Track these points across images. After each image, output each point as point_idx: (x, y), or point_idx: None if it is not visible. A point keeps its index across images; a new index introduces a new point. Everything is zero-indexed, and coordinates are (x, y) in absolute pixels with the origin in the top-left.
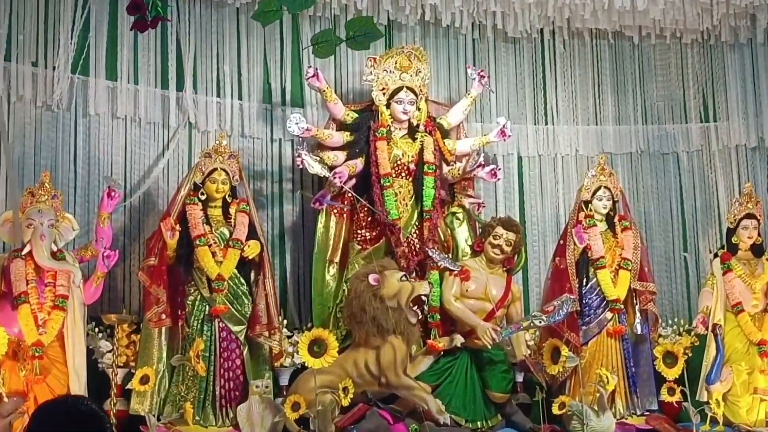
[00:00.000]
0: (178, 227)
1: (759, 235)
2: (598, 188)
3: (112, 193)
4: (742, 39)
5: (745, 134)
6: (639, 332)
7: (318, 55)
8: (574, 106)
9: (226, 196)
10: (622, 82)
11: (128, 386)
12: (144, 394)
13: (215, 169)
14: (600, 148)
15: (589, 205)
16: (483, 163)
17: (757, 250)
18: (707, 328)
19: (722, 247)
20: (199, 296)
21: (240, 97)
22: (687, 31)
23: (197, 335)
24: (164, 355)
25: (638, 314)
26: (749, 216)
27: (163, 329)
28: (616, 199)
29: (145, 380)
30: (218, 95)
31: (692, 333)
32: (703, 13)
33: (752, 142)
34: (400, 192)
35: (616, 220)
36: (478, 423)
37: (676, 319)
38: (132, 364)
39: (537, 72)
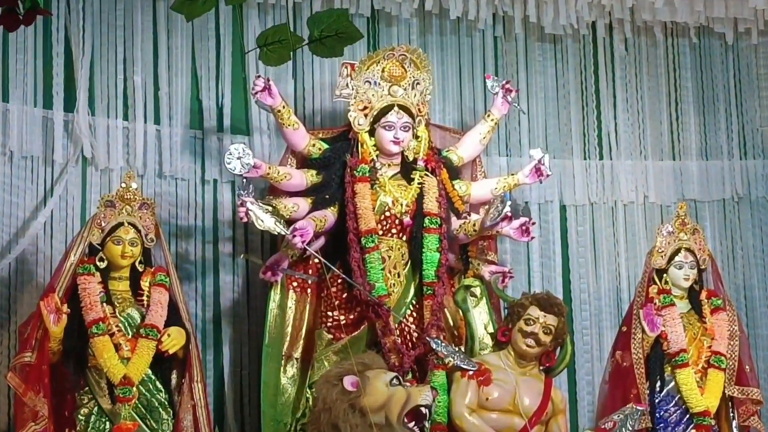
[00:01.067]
0: (66, 308)
1: None
2: (677, 251)
3: None
4: None
5: None
6: None
7: (268, 62)
8: (642, 133)
9: (137, 263)
10: (710, 99)
11: None
12: None
13: (120, 225)
14: (679, 193)
15: (665, 275)
16: (510, 214)
17: None
18: None
19: None
20: (96, 408)
21: (157, 121)
22: None
23: None
24: None
25: None
26: None
27: None
28: (702, 267)
29: None
30: (125, 118)
31: None
32: None
33: None
34: (389, 256)
35: (703, 296)
36: None
37: None
38: None
39: (588, 84)
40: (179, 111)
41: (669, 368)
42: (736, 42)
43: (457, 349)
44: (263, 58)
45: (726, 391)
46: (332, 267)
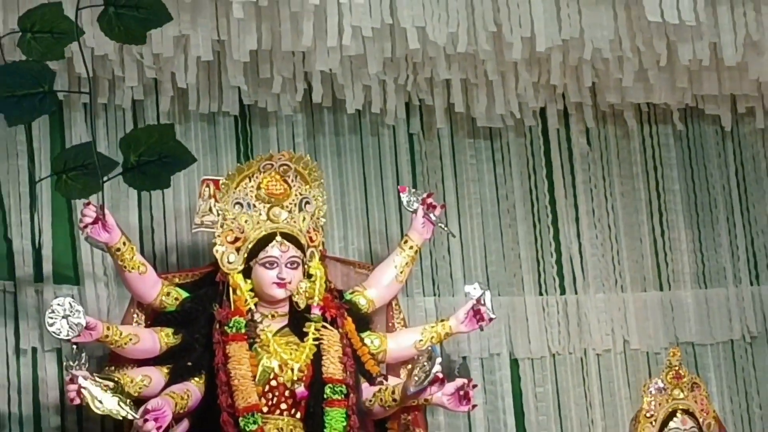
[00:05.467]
0: None
1: None
2: (672, 414)
3: None
4: None
5: None
6: None
7: (68, 193)
8: (616, 257)
9: None
10: (705, 205)
11: None
12: None
13: None
14: (671, 335)
15: None
16: (442, 375)
17: None
18: None
19: None
20: None
21: None
22: None
23: None
24: None
25: None
26: None
27: None
28: None
29: None
30: None
31: None
32: None
33: None
34: None
35: None
36: None
37: None
38: None
39: (539, 192)
40: None
41: None
42: (736, 127)
43: None
44: (61, 189)
45: None
46: None
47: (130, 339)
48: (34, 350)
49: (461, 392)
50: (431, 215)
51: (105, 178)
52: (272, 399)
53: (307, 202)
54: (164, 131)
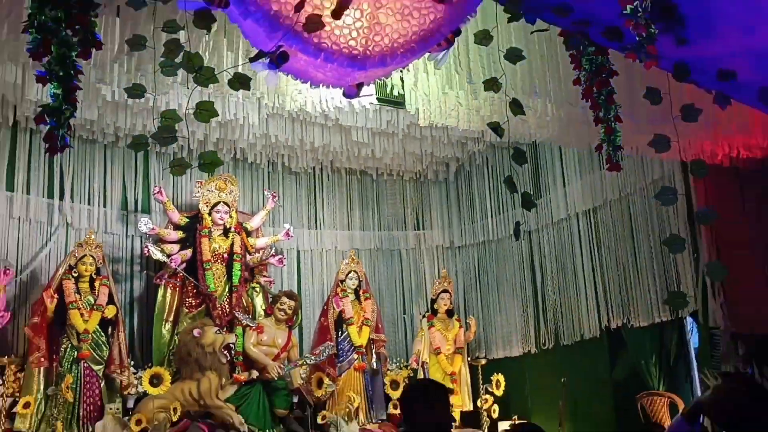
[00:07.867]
0: (56, 296)
1: (450, 303)
2: (349, 272)
3: (7, 271)
4: (441, 178)
5: (442, 238)
6: (375, 368)
7: (174, 173)
8: (335, 218)
9: (93, 274)
10: (365, 204)
11: (14, 410)
12: (25, 416)
13: (85, 255)
14: (351, 245)
15: (344, 282)
16: (274, 254)
17: (449, 313)
18: (418, 364)
19: (428, 311)
20: (69, 345)
21: (104, 205)
22: (407, 172)
23: (67, 372)
24: (42, 387)
25: (375, 356)
26: (444, 291)
27: (42, 369)
28: (360, 279)
29: (26, 406)
30: (89, 203)
31: (409, 367)
32: (416, 160)
33: (446, 243)
34: (216, 273)
35: (360, 292)
36: (267, 431)
37: (398, 359)
38: (17, 394)
39: (311, 195)
40: (115, 200)
41: (345, 326)
42: (378, 178)
43: (247, 316)
44: (172, 171)
45: (370, 336)
46: (189, 277)
47: (167, 234)
48: (132, 236)
49: (280, 260)
50: (274, 199)
51: (190, 166)
52: (215, 258)
53: (232, 191)
54: (213, 153)
